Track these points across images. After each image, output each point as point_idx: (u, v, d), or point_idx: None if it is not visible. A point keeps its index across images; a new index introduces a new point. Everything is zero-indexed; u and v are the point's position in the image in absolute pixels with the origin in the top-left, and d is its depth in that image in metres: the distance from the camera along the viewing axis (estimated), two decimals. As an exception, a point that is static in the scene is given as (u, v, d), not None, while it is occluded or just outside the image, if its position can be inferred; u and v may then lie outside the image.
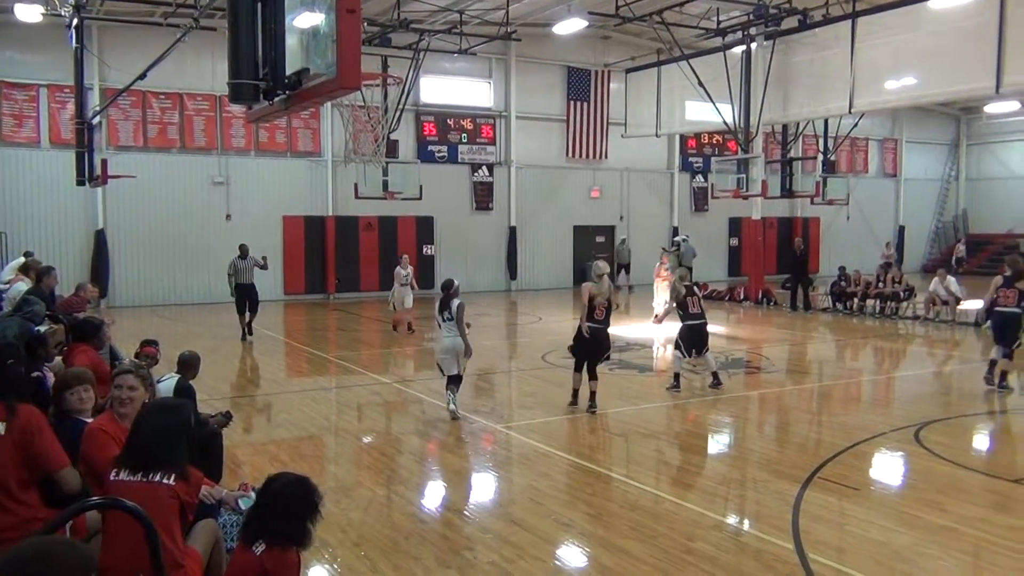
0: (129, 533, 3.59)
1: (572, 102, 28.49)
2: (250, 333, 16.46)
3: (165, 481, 3.88)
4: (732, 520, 6.68)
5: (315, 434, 9.63)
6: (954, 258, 33.53)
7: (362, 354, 15.59)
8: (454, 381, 9.87)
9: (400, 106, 22.72)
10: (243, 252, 16.42)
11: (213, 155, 23.67)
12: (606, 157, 29.15)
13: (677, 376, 11.45)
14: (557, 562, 5.80)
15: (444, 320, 9.74)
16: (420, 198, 22.83)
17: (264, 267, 16.79)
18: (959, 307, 19.03)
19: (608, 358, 10.74)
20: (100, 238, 22.38)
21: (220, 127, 23.62)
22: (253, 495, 5.49)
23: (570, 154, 28.67)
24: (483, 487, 7.59)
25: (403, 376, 13.12)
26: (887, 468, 8.16)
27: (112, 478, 3.93)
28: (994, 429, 9.83)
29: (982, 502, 6.83)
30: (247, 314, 16.40)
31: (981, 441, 9.34)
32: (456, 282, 10.01)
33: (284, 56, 4.80)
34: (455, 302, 9.68)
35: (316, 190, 24.92)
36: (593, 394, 10.06)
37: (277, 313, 21.56)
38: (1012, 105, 30.72)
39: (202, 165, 23.54)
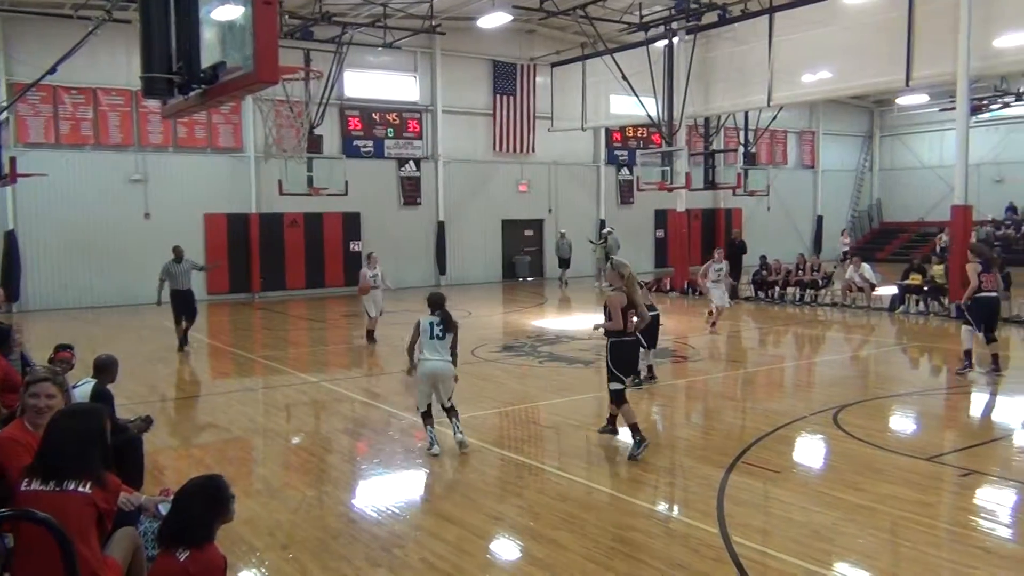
0: (43, 545, 3.47)
1: (498, 96, 28.51)
2: (186, 342, 15.06)
3: (80, 489, 3.76)
4: (660, 507, 6.79)
5: (241, 436, 9.45)
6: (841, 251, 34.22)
7: (289, 353, 15.34)
8: (430, 417, 8.31)
9: (324, 101, 22.41)
10: (178, 255, 14.84)
11: (130, 152, 22.95)
12: (533, 151, 29.27)
13: (649, 368, 11.22)
14: (488, 556, 5.81)
15: (433, 338, 8.16)
16: (346, 194, 22.57)
17: (203, 269, 15.87)
18: (874, 293, 19.70)
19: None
20: (10, 239, 21.48)
21: (136, 123, 22.91)
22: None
23: (497, 148, 28.70)
24: (414, 484, 7.56)
25: (332, 375, 12.95)
26: (807, 451, 8.40)
27: (24, 488, 3.79)
28: (908, 410, 10.20)
29: (897, 480, 7.08)
30: (183, 323, 14.96)
31: (896, 422, 9.69)
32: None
33: (199, 49, 4.67)
34: (453, 318, 8.33)
35: (239, 187, 24.39)
36: (613, 419, 8.66)
37: (201, 313, 20.99)
38: (921, 97, 31.92)
39: (118, 162, 22.80)
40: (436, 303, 8.40)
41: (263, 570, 5.54)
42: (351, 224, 26.19)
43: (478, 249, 28.50)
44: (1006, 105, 31.71)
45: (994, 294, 11.38)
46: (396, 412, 10.00)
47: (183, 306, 14.93)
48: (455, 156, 27.80)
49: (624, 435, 8.32)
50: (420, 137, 27.35)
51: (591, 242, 27.53)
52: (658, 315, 10.72)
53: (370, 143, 26.45)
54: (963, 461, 7.68)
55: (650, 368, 11.33)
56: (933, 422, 9.78)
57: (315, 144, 21.61)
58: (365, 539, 6.01)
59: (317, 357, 15.13)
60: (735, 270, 22.34)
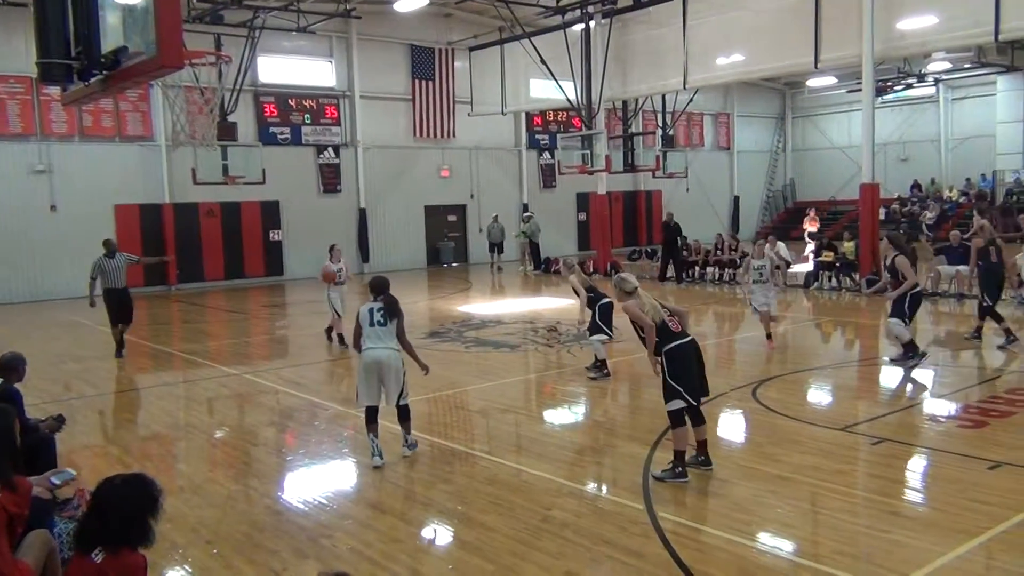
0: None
1: (417, 81, 28.25)
2: (123, 346, 13.48)
3: (-14, 494, 3.59)
4: (587, 486, 6.88)
5: (161, 432, 9.19)
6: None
7: (209, 346, 14.98)
8: (374, 420, 7.58)
9: (236, 87, 21.84)
10: (110, 249, 13.16)
11: (32, 142, 21.97)
12: (454, 136, 29.14)
13: (604, 361, 10.75)
14: (418, 543, 5.80)
15: (374, 324, 7.61)
16: (264, 182, 22.08)
17: (138, 262, 14.33)
18: (788, 271, 20.26)
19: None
20: (-95, 236, 20.39)
21: (38, 111, 21.94)
22: (71, 471, 5.18)
23: (418, 134, 28.47)
24: (341, 474, 7.48)
25: (254, 367, 12.69)
26: (728, 425, 8.61)
27: (-75, 496, 3.61)
28: (822, 383, 10.55)
29: (814, 451, 7.33)
30: (120, 325, 13.32)
31: (812, 395, 10.02)
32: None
33: (99, 33, 4.48)
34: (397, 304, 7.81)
35: (150, 176, 23.62)
36: (703, 445, 6.95)
37: (114, 308, 20.36)
38: (830, 80, 32.89)
39: (20, 153, 21.81)
40: (378, 288, 7.84)
41: (187, 567, 5.42)
42: (270, 213, 25.66)
43: (401, 236, 28.27)
44: (909, 87, 32.97)
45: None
46: (321, 402, 9.87)
47: (119, 306, 13.28)
48: (375, 142, 27.47)
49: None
50: (338, 123, 26.93)
51: (518, 237, 27.69)
52: (610, 303, 10.35)
53: (287, 130, 25.93)
54: (875, 430, 7.99)
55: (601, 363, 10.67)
56: (847, 394, 10.14)
57: (229, 131, 21.04)
58: (292, 531, 5.93)
59: (239, 349, 14.81)
60: (672, 253, 22.48)
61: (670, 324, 6.81)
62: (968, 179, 33.71)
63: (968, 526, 5.57)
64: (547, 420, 9.30)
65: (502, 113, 27.40)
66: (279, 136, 25.70)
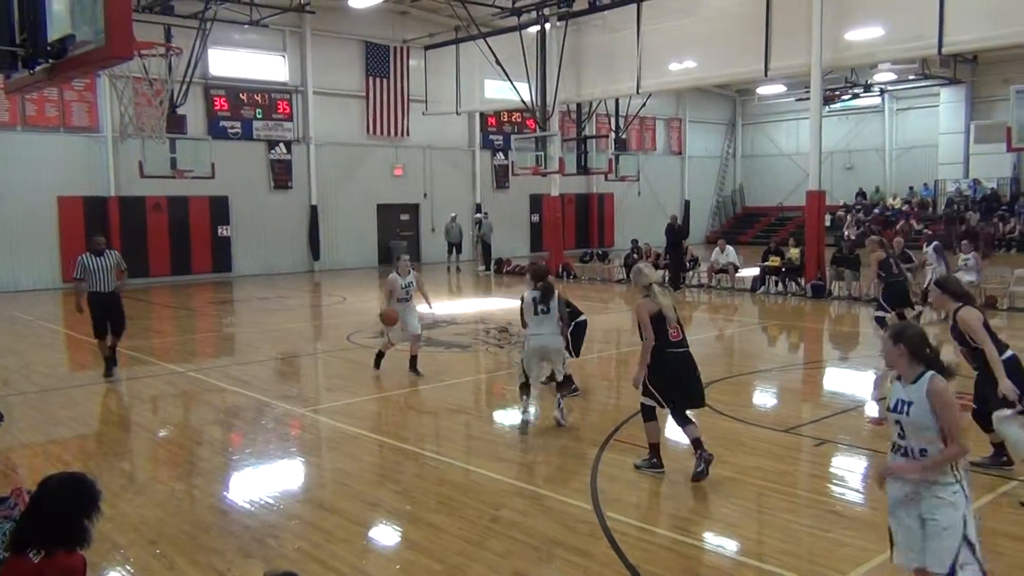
0: None
1: (371, 78, 28.08)
2: (115, 364, 11.27)
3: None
4: (536, 487, 6.90)
5: (103, 431, 9.00)
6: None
7: (154, 343, 14.69)
8: (563, 385, 8.47)
9: (187, 79, 21.46)
10: (98, 247, 11.03)
11: (-29, 130, 21.35)
12: (408, 134, 29.02)
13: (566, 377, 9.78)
14: (366, 542, 5.77)
15: (538, 313, 8.10)
16: (213, 176, 21.73)
17: (125, 270, 11.37)
18: (737, 275, 20.60)
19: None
20: None
21: (-22, 99, 21.31)
22: None
23: (371, 131, 28.29)
24: (289, 474, 7.40)
25: (200, 364, 12.49)
26: (675, 427, 8.69)
27: None
28: (768, 385, 10.75)
29: (759, 452, 7.46)
30: (110, 336, 11.12)
31: (757, 397, 10.19)
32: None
33: (45, 20, 4.37)
34: (556, 293, 8.19)
35: (95, 169, 23.09)
36: (698, 440, 6.83)
37: (55, 302, 19.88)
38: (779, 88, 33.50)
39: (-42, 142, 21.18)
40: (538, 276, 8.27)
41: (128, 568, 5.31)
42: (219, 208, 25.27)
43: (353, 234, 28.05)
44: (856, 96, 33.72)
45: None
46: (269, 401, 9.75)
47: (107, 313, 11.00)
48: (327, 139, 27.23)
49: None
50: (290, 119, 26.64)
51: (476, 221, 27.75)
52: (585, 321, 9.97)
53: (238, 124, 25.56)
54: (818, 432, 8.17)
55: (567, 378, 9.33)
56: (791, 396, 10.34)
57: (178, 124, 20.67)
58: (237, 531, 5.85)
59: (185, 346, 14.56)
60: (678, 258, 21.31)
61: (670, 331, 6.84)
62: (911, 188, 34.61)
63: (905, 526, 5.71)
64: (497, 420, 9.32)
65: (456, 113, 27.36)
66: (229, 130, 25.33)
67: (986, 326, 6.21)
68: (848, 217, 32.88)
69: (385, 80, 28.34)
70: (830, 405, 9.69)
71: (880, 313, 11.73)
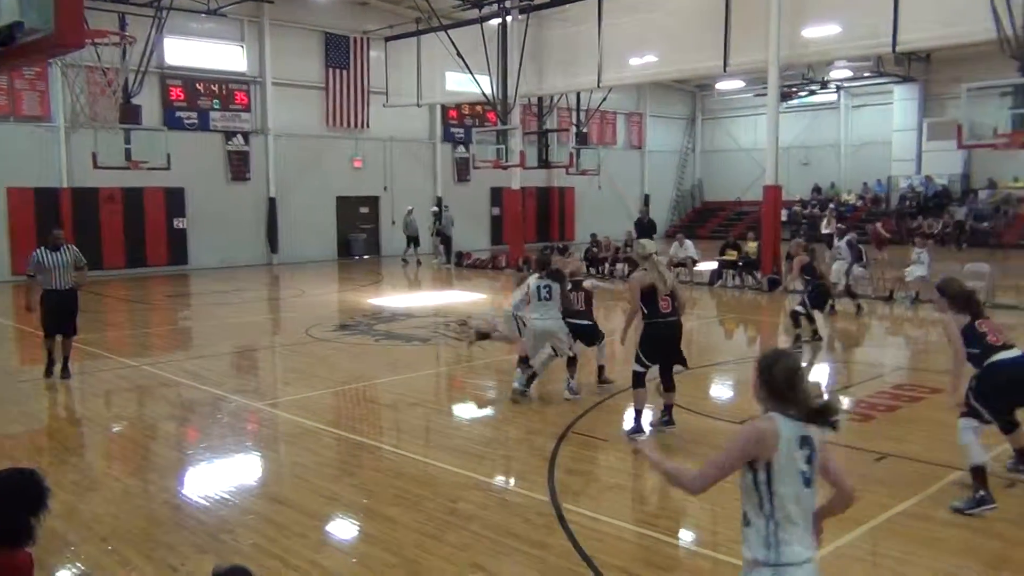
0: None
1: (331, 69, 27.82)
2: (66, 370, 10.54)
3: None
4: (493, 479, 6.93)
5: (55, 426, 8.85)
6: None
7: (107, 336, 14.44)
8: (573, 363, 9.20)
9: (142, 68, 21.07)
10: (55, 242, 10.28)
11: (-84, 118, 20.76)
12: (368, 126, 28.81)
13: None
14: (322, 537, 5.75)
15: (542, 300, 8.85)
16: (169, 167, 21.38)
17: (84, 266, 10.70)
18: (695, 268, 20.79)
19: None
20: None
21: (-77, 86, 20.72)
22: None
23: (331, 123, 28.05)
24: (245, 468, 7.34)
25: (155, 358, 12.31)
26: (631, 419, 8.78)
27: None
28: (725, 378, 10.89)
29: (713, 444, 7.55)
30: (57, 336, 10.44)
31: (715, 389, 10.32)
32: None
33: (-8, 7, 4.28)
34: (557, 282, 8.85)
35: (47, 159, 22.57)
36: (669, 408, 7.96)
37: (5, 295, 19.45)
38: (738, 83, 33.85)
39: (-98, 130, 20.58)
40: (544, 264, 9.08)
41: (79, 565, 5.24)
42: (174, 200, 24.87)
43: (311, 226, 27.78)
44: (812, 93, 34.21)
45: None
46: (225, 395, 9.65)
47: (58, 312, 10.28)
48: (286, 130, 26.93)
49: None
50: (248, 110, 26.30)
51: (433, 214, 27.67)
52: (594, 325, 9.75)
53: (194, 115, 25.17)
54: (771, 423, 8.27)
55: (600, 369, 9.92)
56: (747, 389, 10.44)
57: (133, 114, 20.28)
58: (192, 526, 5.79)
59: (139, 340, 14.34)
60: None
61: (661, 303, 7.64)
62: (865, 183, 35.21)
63: (855, 514, 5.82)
64: (456, 414, 9.33)
65: (417, 105, 27.25)
66: (186, 121, 24.93)
67: (974, 328, 6.14)
68: (826, 214, 33.04)
69: (345, 71, 28.11)
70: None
71: (799, 308, 12.00)
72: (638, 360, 7.76)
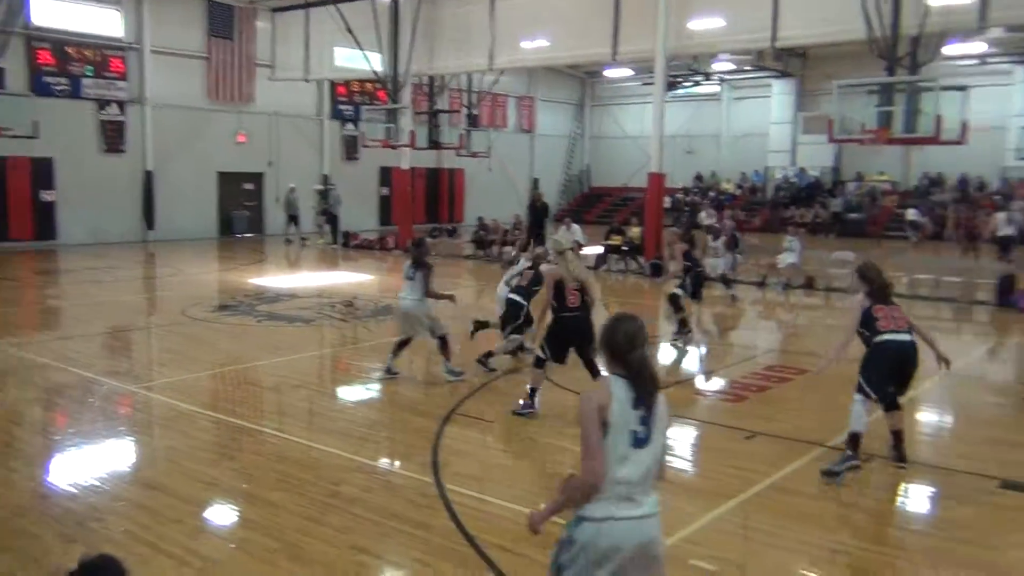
0: None
1: (214, 39, 26.76)
2: None
3: None
4: (377, 461, 6.90)
5: (-98, 410, 8.25)
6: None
7: (-35, 315, 13.55)
8: (441, 345, 9.19)
9: (6, 30, 19.70)
10: None
11: None
12: (253, 100, 27.89)
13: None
14: (199, 523, 5.60)
15: (406, 278, 9.03)
16: (36, 136, 20.11)
17: None
18: (581, 252, 21.11)
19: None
20: None
21: None
22: None
23: (213, 95, 27.00)
24: (117, 454, 7.04)
25: (20, 338, 11.62)
26: (514, 400, 8.90)
27: None
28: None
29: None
30: None
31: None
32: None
33: None
34: (422, 265, 8.97)
35: None
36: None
37: None
38: (627, 72, 34.49)
39: None
40: (416, 246, 9.34)
41: (-69, 559, 4.93)
42: (42, 171, 23.41)
43: (191, 202, 26.71)
44: (697, 84, 35.16)
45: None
46: (96, 377, 9.22)
47: None
48: (165, 101, 25.74)
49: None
50: (124, 78, 25.00)
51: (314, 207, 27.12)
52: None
53: (65, 81, 23.74)
54: (651, 404, 8.54)
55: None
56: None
57: (-5, 78, 19.00)
58: (58, 515, 5.53)
59: (3, 319, 13.50)
60: (540, 236, 20.66)
61: (569, 297, 7.85)
62: (744, 173, 36.56)
63: (726, 490, 6.13)
64: (340, 396, 9.24)
65: (305, 80, 26.55)
66: (55, 87, 23.48)
67: (871, 312, 6.57)
68: (704, 204, 34.04)
69: (229, 42, 27.08)
70: (663, 380, 10.16)
71: (678, 291, 12.26)
72: (542, 348, 7.98)
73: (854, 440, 6.60)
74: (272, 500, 5.81)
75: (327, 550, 5.08)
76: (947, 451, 7.44)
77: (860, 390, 6.61)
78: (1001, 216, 20.80)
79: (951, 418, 8.28)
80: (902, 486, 6.63)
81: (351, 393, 9.34)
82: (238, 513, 5.73)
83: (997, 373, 11.01)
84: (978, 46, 25.80)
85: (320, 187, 27.88)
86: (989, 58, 28.63)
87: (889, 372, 6.52)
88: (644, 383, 3.24)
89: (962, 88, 16.28)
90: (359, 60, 23.65)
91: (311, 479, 6.24)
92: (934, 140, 15.46)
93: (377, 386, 9.28)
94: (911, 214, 28.88)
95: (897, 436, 6.70)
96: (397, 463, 6.90)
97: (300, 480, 6.21)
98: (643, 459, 3.23)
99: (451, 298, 9.49)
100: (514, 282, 10.19)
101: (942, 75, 17.93)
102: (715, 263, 16.70)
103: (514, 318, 9.85)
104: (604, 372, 7.68)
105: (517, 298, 9.90)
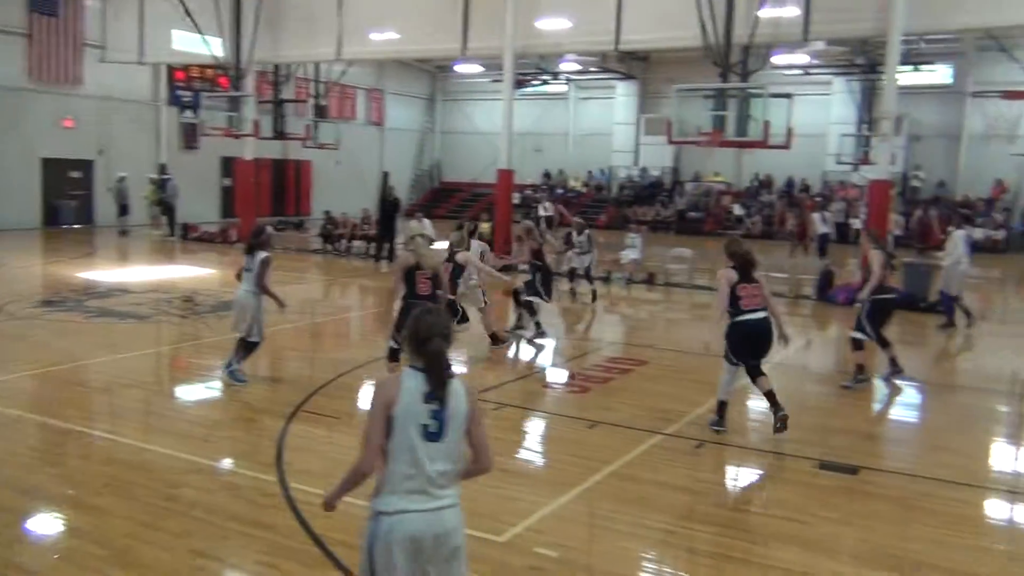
0: None
1: (36, 15, 24.85)
2: None
3: None
4: (218, 462, 6.65)
5: None
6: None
7: None
8: (243, 347, 8.63)
9: None
10: None
11: None
12: (81, 83, 26.13)
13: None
14: (18, 533, 5.21)
15: (245, 269, 8.60)
16: None
17: None
18: (432, 247, 21.07)
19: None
20: None
21: None
22: None
23: (36, 76, 25.09)
24: (-79, 462, 6.46)
25: None
26: (366, 396, 8.82)
27: None
28: (457, 354, 11.20)
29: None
30: None
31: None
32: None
33: None
34: (261, 254, 8.50)
35: None
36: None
37: None
38: (477, 68, 34.68)
39: None
40: (255, 235, 8.77)
41: None
42: None
43: (10, 190, 24.67)
44: (545, 83, 35.84)
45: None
46: (-103, 380, 8.41)
47: None
48: (-21, 80, 23.73)
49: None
50: (-69, 53, 22.87)
51: (147, 198, 25.74)
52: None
53: None
54: (499, 396, 8.69)
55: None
56: (476, 364, 10.86)
57: None
58: None
59: None
60: (390, 229, 20.44)
61: (420, 284, 8.00)
62: (590, 172, 37.63)
63: (569, 478, 6.31)
64: (179, 396, 8.86)
65: (139, 63, 25.12)
66: None
67: (735, 290, 7.26)
68: (542, 196, 34.65)
69: (54, 19, 25.23)
70: (512, 371, 10.35)
71: (532, 299, 12.38)
72: (392, 337, 8.12)
73: (722, 407, 7.49)
74: (100, 506, 5.50)
75: (162, 556, 4.86)
76: (773, 436, 7.96)
77: (727, 358, 7.43)
78: (816, 216, 22.38)
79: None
80: (731, 469, 7.05)
81: (191, 392, 8.96)
82: (63, 521, 5.38)
83: (818, 363, 11.86)
84: (802, 57, 27.64)
85: (155, 176, 26.49)
86: (812, 69, 30.73)
87: (746, 348, 7.30)
88: (437, 377, 3.23)
89: (788, 96, 17.38)
90: (198, 44, 22.66)
91: (145, 482, 5.94)
92: (763, 144, 16.44)
93: (218, 384, 8.93)
94: (736, 210, 30.90)
95: (769, 396, 7.37)
96: (239, 463, 6.68)
97: (132, 484, 5.90)
98: (437, 453, 3.22)
99: (281, 303, 8.79)
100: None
101: (770, 83, 19.05)
102: (579, 260, 16.45)
103: (451, 313, 9.78)
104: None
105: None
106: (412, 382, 3.23)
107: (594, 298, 15.36)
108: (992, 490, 6.53)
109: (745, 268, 7.33)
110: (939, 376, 10.96)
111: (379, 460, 3.24)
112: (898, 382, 9.61)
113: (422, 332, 3.27)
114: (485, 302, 11.28)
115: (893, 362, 9.55)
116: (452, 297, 9.99)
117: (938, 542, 5.41)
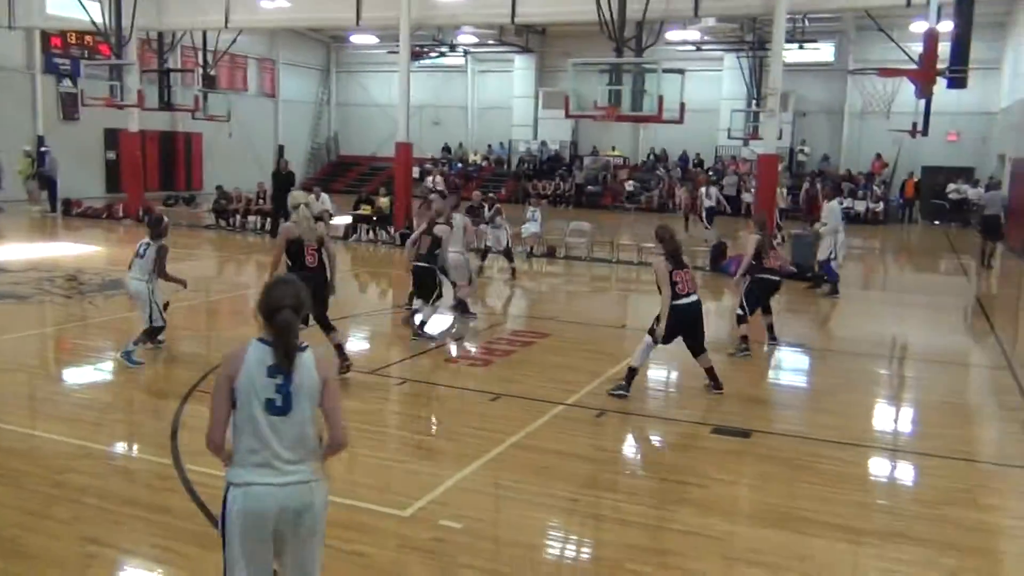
0: None
1: None
2: None
3: None
4: (110, 446, 6.43)
5: None
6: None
7: None
8: (148, 332, 8.50)
9: None
10: None
11: None
12: (-56, 48, 24.41)
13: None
14: None
15: (136, 256, 8.49)
16: None
17: None
18: (331, 222, 20.75)
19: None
20: None
21: None
22: None
23: None
24: None
25: None
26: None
27: None
28: (359, 329, 11.11)
29: (349, 394, 7.71)
30: None
31: (350, 342, 10.49)
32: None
33: None
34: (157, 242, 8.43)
35: None
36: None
37: None
38: (372, 39, 34.05)
39: None
40: (155, 223, 8.63)
41: None
42: None
43: None
44: (443, 55, 35.53)
45: None
46: None
47: None
48: None
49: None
50: None
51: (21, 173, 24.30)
52: None
53: None
54: (401, 372, 8.68)
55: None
56: (380, 339, 10.81)
57: None
58: None
59: None
60: (284, 206, 19.68)
61: (307, 256, 7.81)
62: (490, 145, 37.60)
63: (472, 451, 6.37)
64: (66, 379, 8.48)
65: (9, 27, 23.58)
66: None
67: (671, 276, 7.59)
68: (435, 170, 34.52)
69: (-89, -21, 23.41)
70: (414, 347, 10.32)
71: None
72: None
73: (631, 373, 7.78)
74: (-17, 496, 5.25)
75: (50, 544, 4.69)
76: (670, 404, 8.24)
77: (651, 333, 7.70)
78: (702, 191, 23.01)
79: (675, 375, 9.12)
80: (630, 437, 7.26)
81: (79, 375, 8.59)
82: (-59, 515, 5.11)
83: (712, 332, 12.26)
84: (693, 34, 28.25)
85: (29, 149, 25.05)
86: (703, 45, 31.45)
87: (682, 330, 7.71)
88: (283, 349, 3.16)
89: (680, 72, 17.72)
90: (75, 9, 21.44)
91: (31, 470, 5.70)
92: (657, 118, 16.74)
93: (109, 366, 8.60)
94: (629, 185, 31.58)
95: (709, 372, 7.91)
96: (132, 446, 6.48)
97: (17, 472, 5.65)
98: (284, 427, 3.16)
99: (183, 283, 8.89)
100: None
101: (664, 59, 19.37)
102: (493, 237, 16.26)
103: (432, 285, 9.98)
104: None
105: (424, 265, 9.97)
106: (257, 354, 3.17)
107: (514, 275, 15.28)
108: (873, 448, 6.93)
109: (676, 254, 7.67)
110: (824, 342, 11.51)
111: (226, 432, 3.20)
112: (782, 349, 10.09)
113: (272, 303, 3.20)
114: (471, 280, 11.40)
115: (770, 329, 10.10)
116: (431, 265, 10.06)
117: (824, 499, 5.72)
